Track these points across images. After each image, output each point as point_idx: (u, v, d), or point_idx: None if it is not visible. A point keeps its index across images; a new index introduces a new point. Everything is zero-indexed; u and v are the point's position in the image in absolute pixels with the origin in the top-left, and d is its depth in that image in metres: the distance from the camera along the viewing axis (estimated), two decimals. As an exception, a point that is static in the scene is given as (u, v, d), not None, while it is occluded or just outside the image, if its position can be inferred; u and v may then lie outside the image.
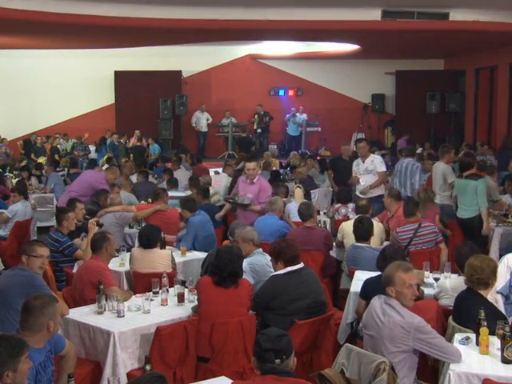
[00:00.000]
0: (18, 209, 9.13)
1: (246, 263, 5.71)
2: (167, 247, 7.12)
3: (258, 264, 5.81)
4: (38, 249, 5.12)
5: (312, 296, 5.16)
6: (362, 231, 6.66)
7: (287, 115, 20.26)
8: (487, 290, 4.62)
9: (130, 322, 4.91)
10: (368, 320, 4.38)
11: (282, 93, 21.50)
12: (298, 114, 20.19)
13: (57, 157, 17.09)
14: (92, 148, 18.83)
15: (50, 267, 6.55)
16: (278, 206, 7.94)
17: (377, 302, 4.36)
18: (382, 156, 15.61)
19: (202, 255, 6.78)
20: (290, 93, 21.42)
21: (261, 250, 6.01)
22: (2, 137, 18.48)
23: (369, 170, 9.50)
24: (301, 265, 5.28)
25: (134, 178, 11.92)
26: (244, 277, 5.33)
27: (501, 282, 5.22)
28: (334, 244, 7.58)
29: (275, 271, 5.32)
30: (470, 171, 8.13)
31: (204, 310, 4.90)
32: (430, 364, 4.49)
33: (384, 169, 9.73)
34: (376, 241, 6.99)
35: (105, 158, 16.66)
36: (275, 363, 3.36)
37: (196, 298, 5.13)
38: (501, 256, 7.57)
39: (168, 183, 10.68)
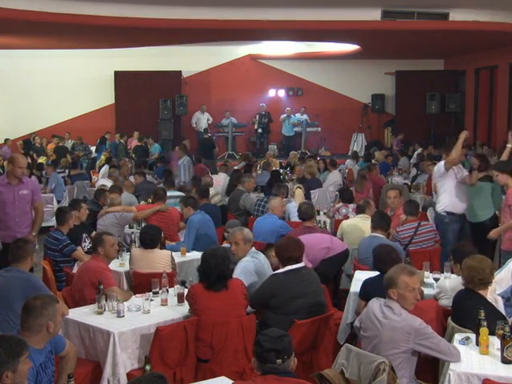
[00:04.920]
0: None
1: (243, 264, 5.70)
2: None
3: (257, 263, 5.79)
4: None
5: (311, 296, 5.16)
6: (380, 220, 6.62)
7: (282, 116, 20.23)
8: (486, 290, 4.62)
9: (130, 322, 4.91)
10: (366, 322, 4.37)
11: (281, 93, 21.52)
12: (293, 115, 20.17)
13: (69, 157, 17.00)
14: (92, 148, 18.85)
15: (50, 267, 6.55)
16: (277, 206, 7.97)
17: (375, 304, 4.36)
18: (386, 157, 15.72)
19: (202, 255, 6.77)
20: (291, 93, 21.41)
21: (254, 248, 6.00)
22: (2, 136, 18.49)
23: None
24: (301, 264, 5.29)
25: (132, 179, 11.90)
26: (240, 278, 5.33)
27: (503, 285, 5.22)
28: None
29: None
30: (483, 173, 8.13)
31: (203, 320, 4.84)
32: (424, 356, 4.47)
33: None
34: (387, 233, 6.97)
35: (102, 157, 16.63)
36: (276, 363, 3.36)
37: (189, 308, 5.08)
38: (500, 256, 7.58)
39: (165, 183, 10.67)
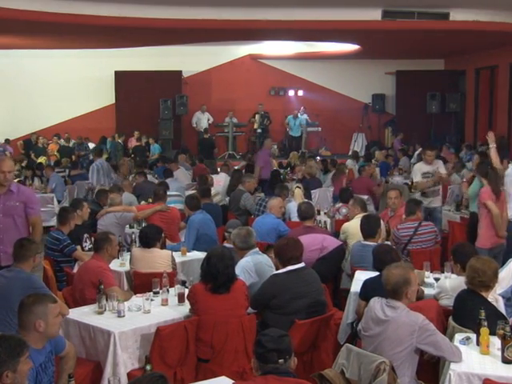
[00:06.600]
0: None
1: (243, 264, 5.70)
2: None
3: (256, 263, 5.78)
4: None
5: (312, 295, 5.16)
6: (369, 228, 6.57)
7: (289, 116, 20.16)
8: (488, 292, 4.62)
9: (131, 322, 4.91)
10: (367, 322, 4.38)
11: (282, 93, 21.49)
12: (299, 115, 20.18)
13: (73, 157, 17.00)
14: (92, 146, 18.84)
15: (51, 267, 6.56)
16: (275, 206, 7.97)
17: (376, 303, 4.37)
18: (386, 157, 15.72)
19: (202, 255, 6.72)
20: (291, 92, 21.39)
21: (257, 249, 5.99)
22: (2, 137, 18.49)
23: None
24: (301, 264, 5.29)
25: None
26: (240, 277, 5.32)
27: (504, 285, 5.21)
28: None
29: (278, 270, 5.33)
30: None
31: (204, 319, 4.84)
32: (426, 358, 4.48)
33: None
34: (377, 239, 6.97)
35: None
36: (278, 363, 3.37)
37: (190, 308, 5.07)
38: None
39: (160, 184, 10.64)
